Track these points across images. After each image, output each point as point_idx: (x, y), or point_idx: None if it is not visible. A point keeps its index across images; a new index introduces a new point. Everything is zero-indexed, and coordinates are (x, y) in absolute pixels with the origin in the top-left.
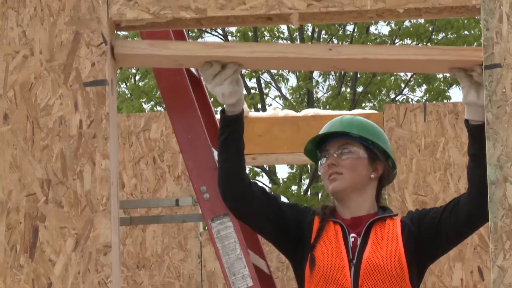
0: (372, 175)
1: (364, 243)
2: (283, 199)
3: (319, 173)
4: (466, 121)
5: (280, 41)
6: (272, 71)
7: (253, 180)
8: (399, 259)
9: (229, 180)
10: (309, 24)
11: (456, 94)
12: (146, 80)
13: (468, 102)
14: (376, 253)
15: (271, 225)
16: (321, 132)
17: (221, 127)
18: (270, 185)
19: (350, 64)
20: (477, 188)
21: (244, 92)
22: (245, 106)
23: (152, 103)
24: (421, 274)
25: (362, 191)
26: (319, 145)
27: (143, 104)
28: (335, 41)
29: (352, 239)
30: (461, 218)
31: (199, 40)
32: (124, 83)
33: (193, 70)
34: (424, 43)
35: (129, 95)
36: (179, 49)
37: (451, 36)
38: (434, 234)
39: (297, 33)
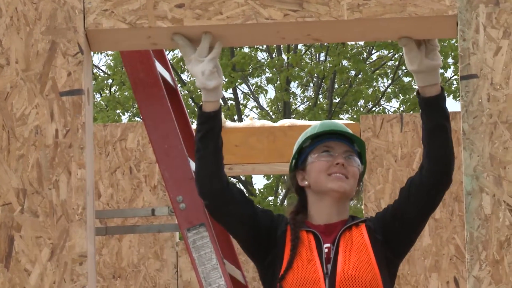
0: (354, 192)
1: (335, 253)
2: None
3: (309, 161)
4: (419, 94)
5: (259, 52)
6: (250, 82)
7: (232, 181)
8: (372, 269)
9: (206, 178)
10: None
11: None
12: (121, 91)
13: (425, 68)
14: (349, 263)
15: (244, 228)
16: (323, 129)
17: (198, 124)
18: (253, 201)
19: (325, 31)
20: (439, 158)
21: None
22: (222, 115)
23: (129, 114)
24: (393, 276)
25: (347, 201)
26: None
27: (120, 114)
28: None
29: (326, 250)
30: (423, 193)
31: (175, 52)
32: (99, 94)
33: (169, 80)
34: (401, 54)
35: (104, 106)
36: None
37: None
38: (399, 226)
39: (275, 45)
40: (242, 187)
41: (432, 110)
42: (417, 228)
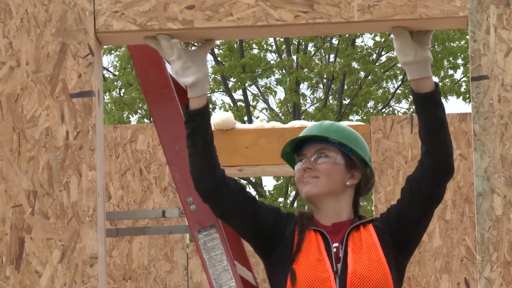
0: (348, 182)
1: (345, 252)
2: None
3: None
4: (414, 92)
5: (268, 54)
6: (259, 83)
7: (232, 177)
8: (382, 269)
9: (197, 175)
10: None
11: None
12: (128, 92)
13: (420, 59)
14: (359, 263)
15: (245, 224)
16: (299, 135)
17: (185, 122)
18: (256, 197)
19: (335, 32)
20: (440, 152)
21: (230, 102)
22: (231, 117)
23: (138, 115)
24: (402, 276)
25: (337, 197)
26: (297, 150)
27: (129, 115)
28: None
29: (334, 250)
30: (426, 188)
31: None
32: (106, 95)
33: None
34: None
35: (112, 107)
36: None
37: (437, 48)
38: (406, 224)
39: (284, 46)
40: (251, 189)
41: (430, 106)
42: (424, 223)
